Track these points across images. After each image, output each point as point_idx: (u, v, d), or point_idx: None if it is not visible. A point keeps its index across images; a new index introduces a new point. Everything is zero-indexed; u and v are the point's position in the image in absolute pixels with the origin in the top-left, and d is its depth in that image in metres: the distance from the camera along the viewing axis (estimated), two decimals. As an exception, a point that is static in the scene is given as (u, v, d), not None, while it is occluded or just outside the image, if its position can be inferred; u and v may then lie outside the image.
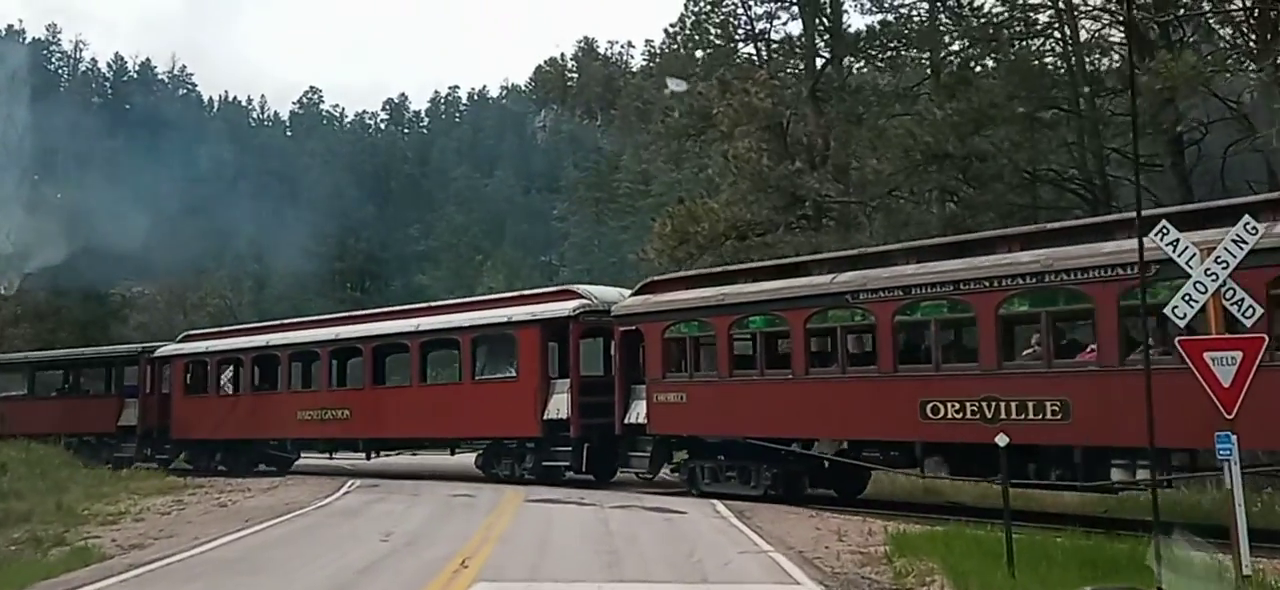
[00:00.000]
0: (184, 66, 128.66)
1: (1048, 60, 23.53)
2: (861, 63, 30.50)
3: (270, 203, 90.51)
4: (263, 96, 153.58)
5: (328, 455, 30.80)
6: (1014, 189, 25.89)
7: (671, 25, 32.91)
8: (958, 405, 15.48)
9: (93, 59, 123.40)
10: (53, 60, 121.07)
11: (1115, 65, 23.17)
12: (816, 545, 13.21)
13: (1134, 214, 11.55)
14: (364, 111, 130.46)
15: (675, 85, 33.74)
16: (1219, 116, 24.01)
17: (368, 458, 28.47)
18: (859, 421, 17.17)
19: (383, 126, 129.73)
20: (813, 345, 18.11)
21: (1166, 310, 10.25)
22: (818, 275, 18.07)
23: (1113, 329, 14.04)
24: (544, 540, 14.06)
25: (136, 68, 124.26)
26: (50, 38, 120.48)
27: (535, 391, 22.28)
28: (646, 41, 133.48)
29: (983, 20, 26.55)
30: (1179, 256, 10.14)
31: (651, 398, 20.14)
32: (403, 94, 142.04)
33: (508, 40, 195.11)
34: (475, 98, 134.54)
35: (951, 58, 29.74)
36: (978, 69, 27.82)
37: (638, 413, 20.53)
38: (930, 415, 15.77)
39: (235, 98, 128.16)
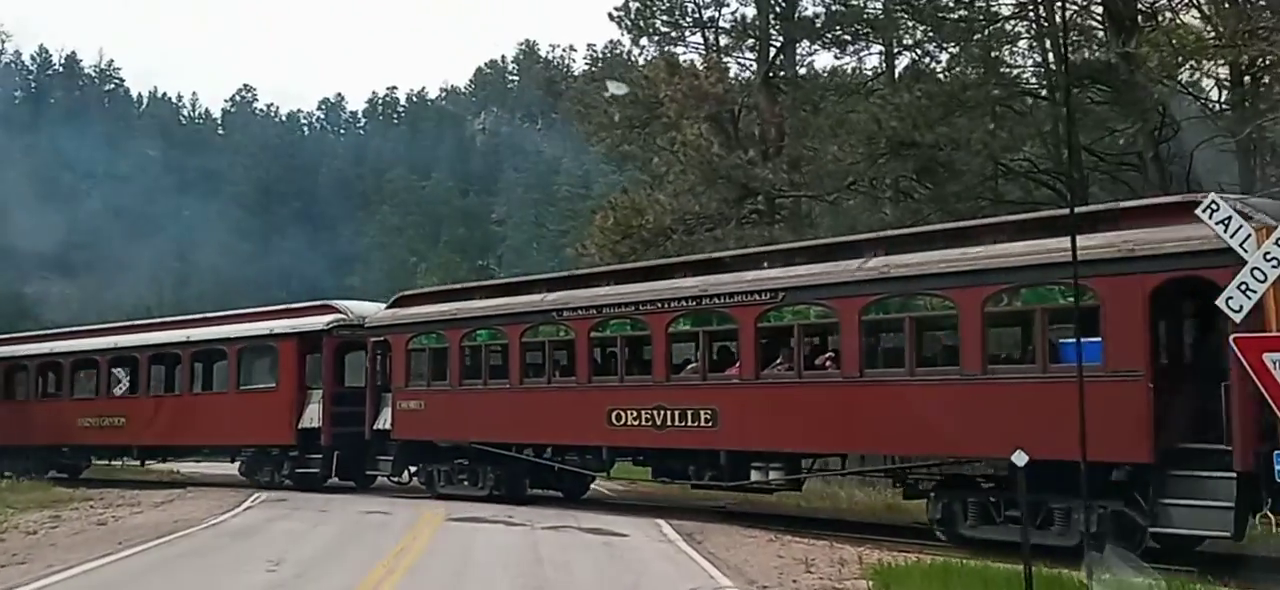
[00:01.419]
0: (111, 61, 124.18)
1: (1020, 44, 21.90)
2: (816, 48, 28.68)
3: (195, 200, 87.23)
4: (194, 93, 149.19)
5: (127, 463, 29.88)
6: (981, 182, 24.25)
7: (617, 9, 30.61)
8: (636, 413, 17.24)
9: (16, 51, 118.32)
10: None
11: (1094, 53, 21.59)
12: (782, 577, 11.24)
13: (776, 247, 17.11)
14: (298, 110, 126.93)
15: (616, 88, 31.87)
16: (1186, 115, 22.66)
17: (142, 464, 28.82)
18: (562, 428, 18.69)
19: (317, 125, 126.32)
20: (527, 358, 19.57)
21: (1219, 302, 8.48)
22: (533, 294, 19.79)
23: (752, 347, 15.94)
24: (460, 572, 11.97)
25: (62, 61, 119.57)
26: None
27: (291, 401, 23.23)
28: (589, 45, 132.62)
29: (941, 13, 24.88)
30: (1232, 238, 8.36)
31: (396, 405, 21.31)
32: (339, 94, 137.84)
33: (448, 42, 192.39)
34: (414, 99, 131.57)
35: (908, 50, 28.26)
36: (935, 66, 26.29)
37: (385, 419, 21.58)
38: (614, 422, 17.48)
39: (164, 94, 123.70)
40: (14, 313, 61.96)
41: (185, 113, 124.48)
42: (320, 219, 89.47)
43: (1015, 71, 24.51)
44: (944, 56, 26.55)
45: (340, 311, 23.66)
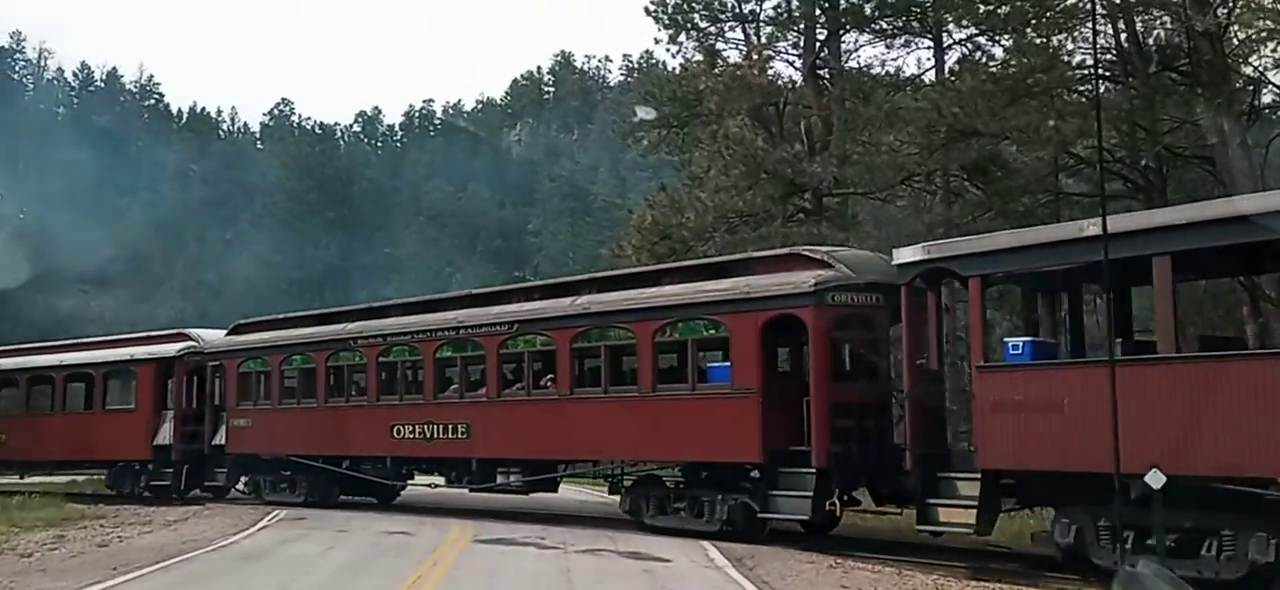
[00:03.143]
0: (150, 76, 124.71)
1: (1086, 26, 20.07)
2: (863, 41, 27.09)
3: (232, 212, 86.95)
4: (233, 107, 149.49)
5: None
6: (1040, 178, 22.56)
7: (653, 4, 29.06)
8: (412, 427, 19.89)
9: (58, 68, 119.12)
10: (17, 69, 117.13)
11: (1170, 32, 19.85)
12: (850, 613, 9.72)
13: (516, 286, 21.69)
14: (336, 123, 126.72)
15: (644, 113, 30.47)
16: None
17: (21, 478, 28.89)
18: (358, 441, 21.31)
19: (354, 139, 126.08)
20: (331, 380, 21.88)
21: None
22: (337, 324, 22.55)
23: (495, 370, 18.77)
24: (482, 605, 10.54)
25: (103, 77, 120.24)
26: (14, 45, 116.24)
27: (148, 420, 25.45)
28: (624, 56, 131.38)
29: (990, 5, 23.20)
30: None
31: (229, 423, 23.83)
32: (376, 107, 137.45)
33: (484, 55, 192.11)
34: (450, 111, 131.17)
35: (959, 45, 26.68)
36: (989, 59, 24.60)
37: (221, 436, 24.05)
38: (396, 436, 20.15)
39: (203, 109, 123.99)
40: (50, 327, 61.57)
41: (224, 127, 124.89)
42: (356, 230, 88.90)
43: (1077, 57, 22.86)
44: (997, 50, 25.07)
45: (192, 339, 25.91)
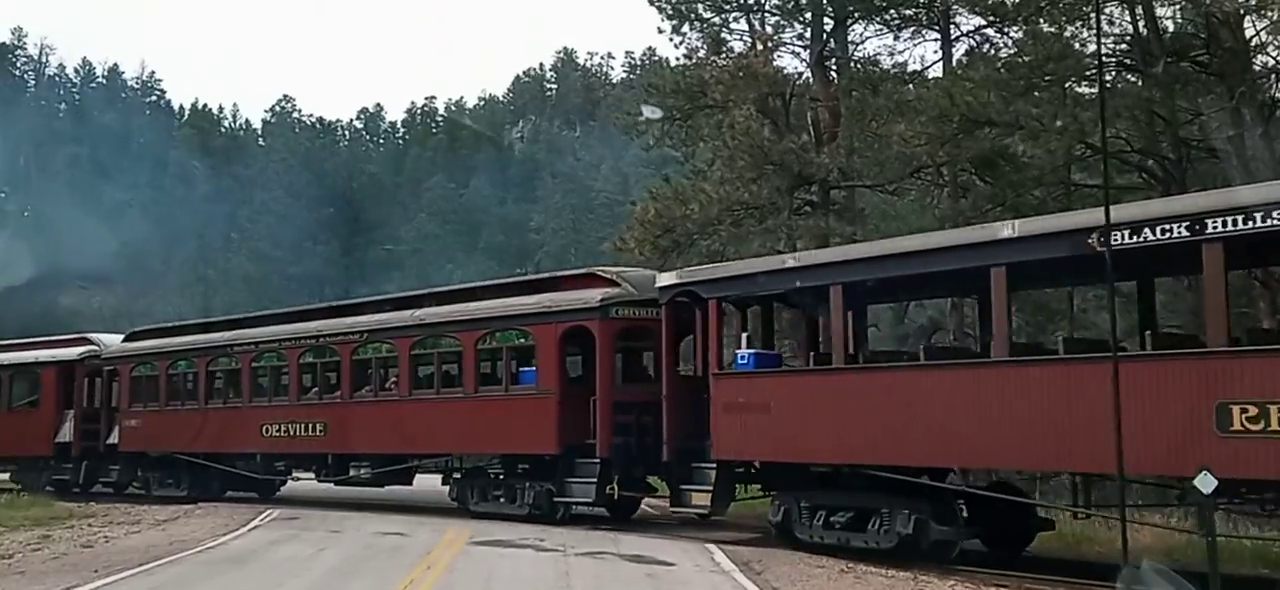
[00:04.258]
0: (152, 72, 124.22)
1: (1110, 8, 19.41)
2: (870, 32, 26.40)
3: (232, 209, 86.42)
4: (235, 104, 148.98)
5: None
6: (1052, 170, 21.92)
7: (656, -3, 28.35)
8: (278, 426, 22.20)
9: (60, 65, 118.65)
10: (19, 65, 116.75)
11: (1189, 18, 19.20)
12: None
13: (368, 299, 24.25)
14: (337, 120, 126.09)
15: (650, 112, 29.82)
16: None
17: None
18: (233, 439, 23.32)
19: (355, 135, 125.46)
20: (212, 384, 24.42)
21: None
22: (218, 333, 25.05)
23: (348, 374, 20.99)
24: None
25: (105, 74, 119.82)
26: (16, 42, 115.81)
27: (51, 420, 27.11)
28: (627, 53, 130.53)
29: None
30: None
31: (122, 423, 25.88)
32: (378, 104, 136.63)
33: (487, 52, 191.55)
34: (452, 108, 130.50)
35: (967, 37, 26.00)
36: (997, 52, 23.95)
37: (116, 435, 26.06)
38: (265, 434, 22.44)
39: (205, 106, 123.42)
40: (49, 323, 61.12)
41: (226, 124, 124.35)
42: (357, 227, 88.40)
43: (1090, 46, 22.19)
44: (1006, 42, 24.43)
45: (94, 344, 27.55)
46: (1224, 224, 10.26)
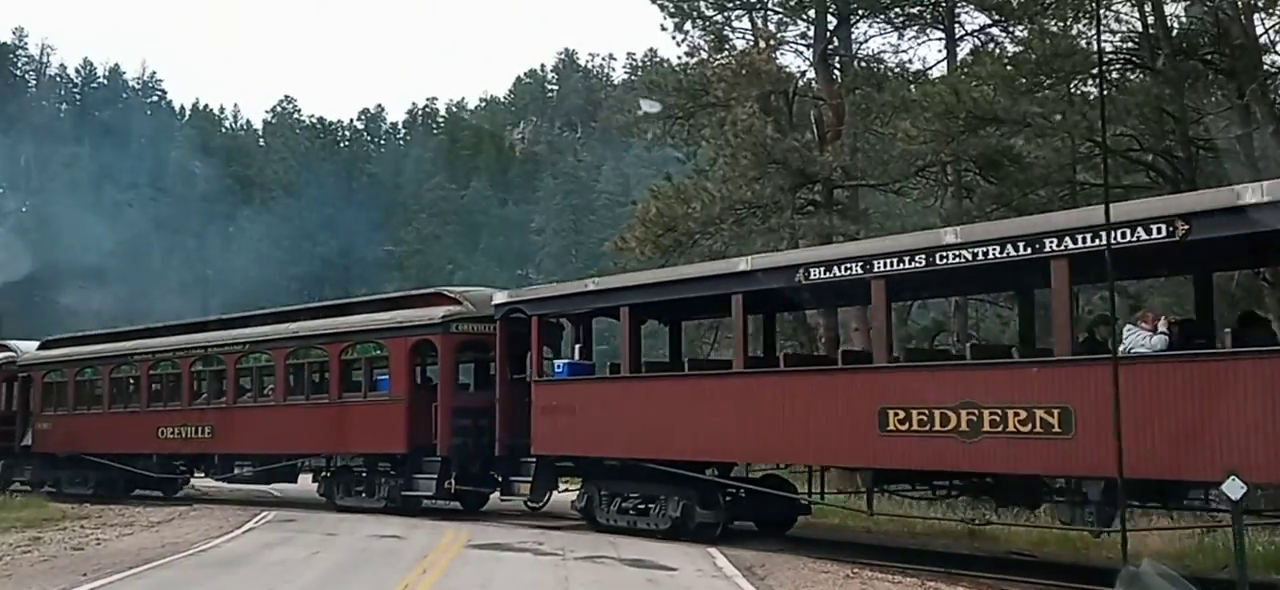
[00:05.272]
0: (154, 72, 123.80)
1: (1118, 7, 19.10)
2: (873, 31, 26.15)
3: (232, 209, 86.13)
4: (236, 105, 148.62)
5: None
6: (1058, 170, 21.65)
7: (657, -5, 28.05)
8: (173, 429, 23.95)
9: (61, 65, 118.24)
10: (20, 64, 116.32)
11: (1198, 14, 18.89)
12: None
13: (254, 312, 25.55)
14: (338, 121, 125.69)
15: (649, 107, 29.54)
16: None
17: None
18: (134, 441, 24.89)
19: (356, 136, 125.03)
20: (114, 390, 26.29)
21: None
22: (120, 343, 26.61)
23: (233, 382, 23.02)
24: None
25: (106, 74, 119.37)
26: (17, 41, 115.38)
27: None
28: (628, 54, 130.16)
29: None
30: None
31: (36, 426, 27.52)
32: (379, 105, 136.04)
33: (488, 53, 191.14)
34: (453, 109, 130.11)
35: (971, 35, 25.76)
36: (1001, 51, 23.67)
37: (30, 438, 27.71)
38: (161, 436, 24.16)
39: (206, 106, 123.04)
40: (49, 322, 60.88)
41: (227, 124, 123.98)
42: (357, 227, 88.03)
43: (1093, 42, 21.86)
44: (1011, 40, 24.16)
45: (11, 351, 29.29)
46: (886, 265, 13.03)
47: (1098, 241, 10.74)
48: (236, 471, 23.38)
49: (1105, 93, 19.35)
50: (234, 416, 22.89)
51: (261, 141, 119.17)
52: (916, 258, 12.70)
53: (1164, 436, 10.25)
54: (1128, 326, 11.51)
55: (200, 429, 23.49)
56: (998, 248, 12.05)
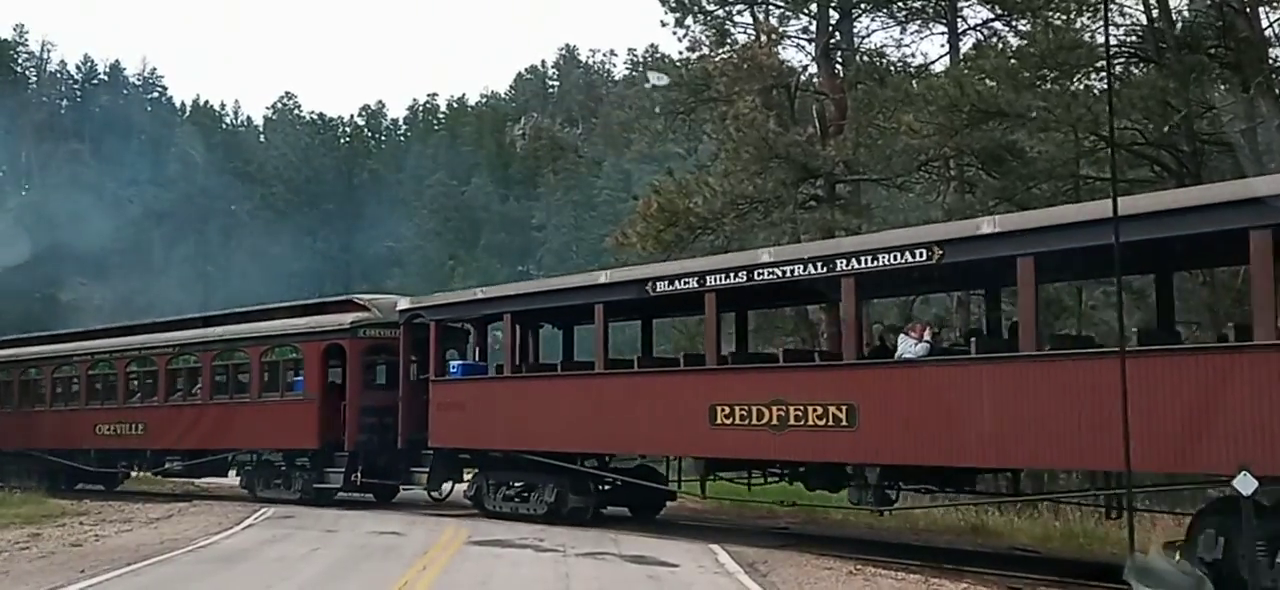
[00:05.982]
0: (154, 69, 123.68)
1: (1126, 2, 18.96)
2: (875, 25, 25.99)
3: (232, 205, 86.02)
4: (236, 101, 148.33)
5: None
6: (1061, 164, 21.53)
7: (658, -15, 27.86)
8: (109, 426, 25.49)
9: (62, 61, 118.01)
10: (20, 61, 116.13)
11: (1202, 9, 18.77)
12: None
13: (184, 317, 27.57)
14: (338, 117, 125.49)
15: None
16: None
17: None
18: (74, 437, 26.38)
19: (357, 132, 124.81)
20: (56, 389, 27.89)
21: None
22: (61, 344, 28.57)
23: (164, 381, 24.56)
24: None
25: (106, 70, 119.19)
26: (17, 38, 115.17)
27: None
28: (629, 50, 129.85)
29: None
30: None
31: None
32: (380, 101, 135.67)
33: (488, 48, 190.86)
34: (454, 105, 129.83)
35: (974, 30, 25.62)
36: (1005, 45, 23.55)
37: None
38: (98, 433, 25.66)
39: (207, 102, 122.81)
40: (50, 317, 60.89)
41: (227, 120, 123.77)
42: (357, 223, 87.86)
43: (1101, 37, 21.74)
44: (1014, 34, 24.04)
45: None
46: (716, 279, 14.86)
47: (876, 263, 12.94)
48: (167, 466, 25.00)
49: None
50: (164, 415, 24.33)
51: (262, 138, 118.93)
52: (740, 273, 14.58)
53: (937, 427, 12.18)
54: (901, 335, 13.66)
55: (134, 426, 24.97)
56: (801, 266, 13.83)
